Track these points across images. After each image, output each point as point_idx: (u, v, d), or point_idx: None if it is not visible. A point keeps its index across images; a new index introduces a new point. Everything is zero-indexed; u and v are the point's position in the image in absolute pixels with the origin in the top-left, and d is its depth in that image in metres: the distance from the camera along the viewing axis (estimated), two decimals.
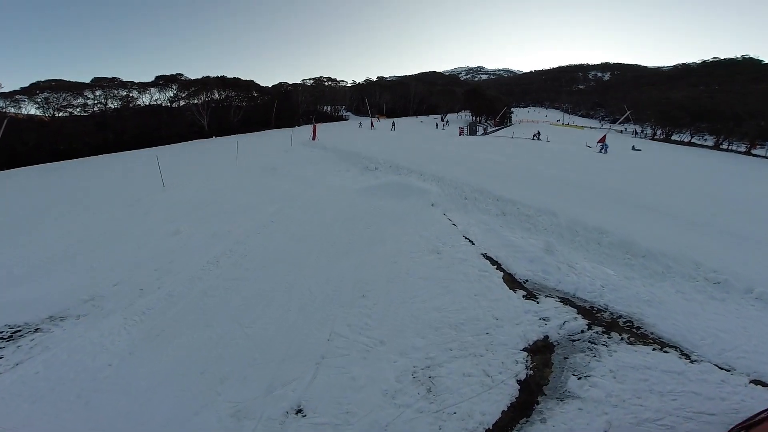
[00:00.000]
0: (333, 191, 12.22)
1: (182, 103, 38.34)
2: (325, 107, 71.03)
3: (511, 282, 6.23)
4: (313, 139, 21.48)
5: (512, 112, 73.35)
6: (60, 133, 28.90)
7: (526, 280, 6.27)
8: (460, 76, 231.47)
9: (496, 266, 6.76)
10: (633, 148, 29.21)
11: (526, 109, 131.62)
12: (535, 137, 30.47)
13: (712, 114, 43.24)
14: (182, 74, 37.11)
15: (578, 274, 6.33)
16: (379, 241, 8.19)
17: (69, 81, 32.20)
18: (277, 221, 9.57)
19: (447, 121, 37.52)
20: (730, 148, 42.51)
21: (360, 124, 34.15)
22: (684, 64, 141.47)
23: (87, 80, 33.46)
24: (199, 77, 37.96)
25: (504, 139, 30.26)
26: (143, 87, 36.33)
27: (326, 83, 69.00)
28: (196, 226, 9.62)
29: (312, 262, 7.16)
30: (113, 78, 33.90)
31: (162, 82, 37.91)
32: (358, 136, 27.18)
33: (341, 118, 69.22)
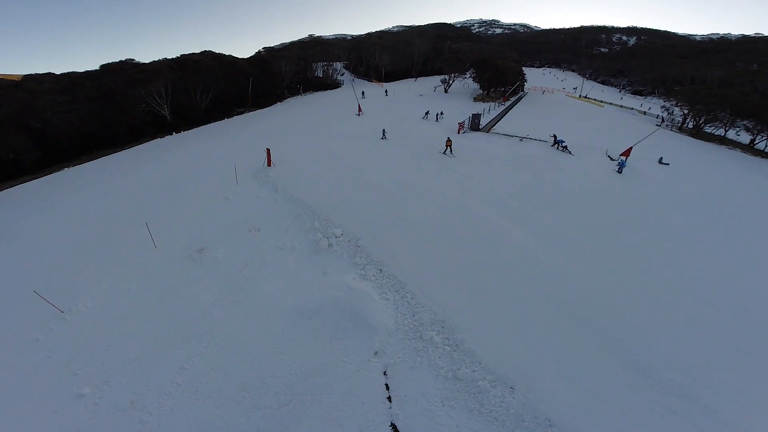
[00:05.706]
0: (257, 315, 9.04)
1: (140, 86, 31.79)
2: (317, 70, 63.15)
3: None
4: (269, 164, 17.32)
5: (526, 81, 65.34)
6: None
7: None
8: (472, 28, 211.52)
9: None
10: (660, 162, 24.66)
11: (541, 69, 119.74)
12: (555, 145, 25.19)
13: (762, 112, 37.17)
14: (133, 59, 31.09)
15: None
16: None
17: None
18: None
19: (441, 112, 32.57)
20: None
21: (359, 110, 29.16)
22: (720, 35, 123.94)
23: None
24: (157, 59, 31.96)
25: (512, 143, 25.53)
26: (86, 79, 30.37)
27: (317, 46, 60.86)
28: (102, 385, 7.32)
29: None
30: (47, 73, 28.03)
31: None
32: (335, 143, 22.66)
33: (336, 84, 62.04)
